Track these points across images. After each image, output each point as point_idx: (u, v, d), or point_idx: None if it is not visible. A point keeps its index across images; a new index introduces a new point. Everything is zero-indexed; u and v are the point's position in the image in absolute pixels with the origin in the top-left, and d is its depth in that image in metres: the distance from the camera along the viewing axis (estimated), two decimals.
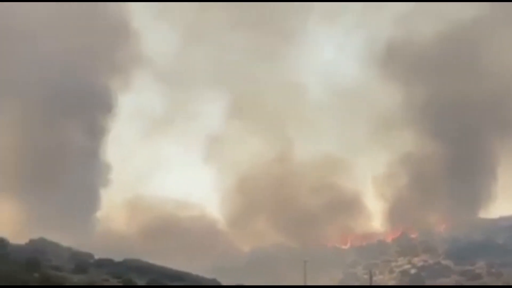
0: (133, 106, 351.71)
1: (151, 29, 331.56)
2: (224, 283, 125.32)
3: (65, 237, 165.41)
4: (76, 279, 78.06)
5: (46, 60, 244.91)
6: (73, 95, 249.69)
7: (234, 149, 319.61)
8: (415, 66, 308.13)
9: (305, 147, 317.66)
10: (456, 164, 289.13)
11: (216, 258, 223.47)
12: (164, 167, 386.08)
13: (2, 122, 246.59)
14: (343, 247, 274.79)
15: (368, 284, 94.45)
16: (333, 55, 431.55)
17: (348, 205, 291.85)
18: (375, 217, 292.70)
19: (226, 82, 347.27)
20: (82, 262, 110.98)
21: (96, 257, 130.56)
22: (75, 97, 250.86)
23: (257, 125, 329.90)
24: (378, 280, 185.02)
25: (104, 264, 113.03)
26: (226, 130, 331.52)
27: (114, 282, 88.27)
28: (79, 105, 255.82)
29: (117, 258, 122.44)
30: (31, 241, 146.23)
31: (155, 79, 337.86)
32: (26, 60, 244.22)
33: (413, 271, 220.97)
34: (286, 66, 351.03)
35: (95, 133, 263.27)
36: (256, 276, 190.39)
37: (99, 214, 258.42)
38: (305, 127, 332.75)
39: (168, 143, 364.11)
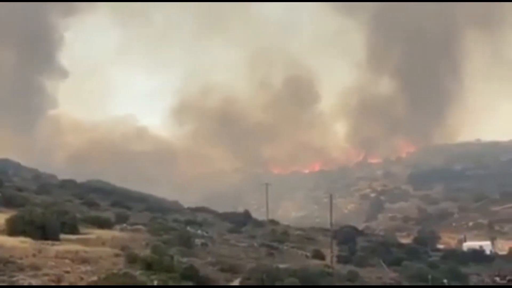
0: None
1: None
2: (185, 206, 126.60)
3: (28, 159, 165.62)
4: (39, 200, 78.56)
5: None
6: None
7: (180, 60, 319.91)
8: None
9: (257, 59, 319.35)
10: (417, 91, 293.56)
11: (177, 182, 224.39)
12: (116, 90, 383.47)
13: None
14: (305, 171, 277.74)
15: (328, 207, 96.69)
16: None
17: (309, 124, 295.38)
18: (337, 142, 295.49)
19: None
20: (45, 183, 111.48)
21: (60, 178, 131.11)
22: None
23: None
24: (338, 203, 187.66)
25: (67, 185, 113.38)
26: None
27: (77, 203, 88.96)
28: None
29: (80, 179, 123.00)
30: None
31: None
32: None
33: (373, 195, 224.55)
34: None
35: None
36: (218, 199, 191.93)
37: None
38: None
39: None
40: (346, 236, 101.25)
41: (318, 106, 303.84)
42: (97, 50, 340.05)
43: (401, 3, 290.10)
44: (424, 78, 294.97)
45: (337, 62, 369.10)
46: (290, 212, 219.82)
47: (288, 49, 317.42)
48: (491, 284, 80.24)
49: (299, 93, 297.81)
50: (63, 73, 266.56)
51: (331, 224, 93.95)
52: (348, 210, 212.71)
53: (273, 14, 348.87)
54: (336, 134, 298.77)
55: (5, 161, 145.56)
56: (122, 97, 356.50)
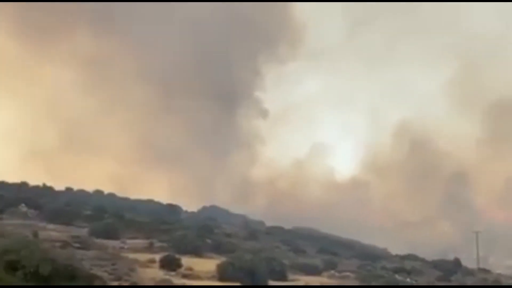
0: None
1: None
2: (393, 253, 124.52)
3: (236, 205, 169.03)
4: (248, 246, 79.63)
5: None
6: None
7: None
8: None
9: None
10: None
11: (384, 229, 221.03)
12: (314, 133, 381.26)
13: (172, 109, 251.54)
14: None
15: None
16: None
17: None
18: None
19: None
20: (253, 229, 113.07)
21: (267, 224, 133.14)
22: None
23: None
24: None
25: (275, 231, 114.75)
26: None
27: (285, 249, 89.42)
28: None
29: (287, 225, 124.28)
30: (204, 208, 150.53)
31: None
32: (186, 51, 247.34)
33: None
34: None
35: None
36: (426, 247, 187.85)
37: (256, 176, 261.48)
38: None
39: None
40: None
41: None
42: (297, 93, 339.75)
43: None
44: None
45: None
46: (502, 260, 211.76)
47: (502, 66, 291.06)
48: None
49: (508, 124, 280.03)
50: (263, 113, 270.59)
51: None
52: None
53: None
54: None
55: (215, 208, 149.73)
56: (319, 138, 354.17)
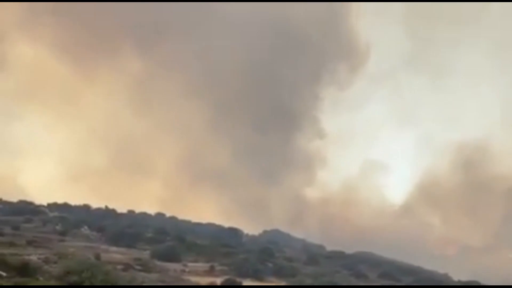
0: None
1: None
2: (455, 279, 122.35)
3: (295, 228, 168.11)
4: (309, 271, 79.13)
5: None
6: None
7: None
8: None
9: None
10: None
11: (445, 255, 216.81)
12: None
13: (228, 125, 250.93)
14: None
15: None
16: None
17: None
18: None
19: None
20: (314, 253, 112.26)
21: (328, 249, 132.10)
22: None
23: None
24: None
25: (335, 256, 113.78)
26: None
27: (345, 274, 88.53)
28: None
29: (348, 250, 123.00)
30: (265, 232, 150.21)
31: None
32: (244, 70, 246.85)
33: None
34: None
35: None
36: (489, 274, 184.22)
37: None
38: None
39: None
40: None
41: None
42: (355, 114, 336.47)
43: None
44: None
45: None
46: None
47: None
48: None
49: None
50: (320, 134, 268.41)
51: None
52: None
53: None
54: None
55: (276, 231, 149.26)
56: (376, 160, 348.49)
